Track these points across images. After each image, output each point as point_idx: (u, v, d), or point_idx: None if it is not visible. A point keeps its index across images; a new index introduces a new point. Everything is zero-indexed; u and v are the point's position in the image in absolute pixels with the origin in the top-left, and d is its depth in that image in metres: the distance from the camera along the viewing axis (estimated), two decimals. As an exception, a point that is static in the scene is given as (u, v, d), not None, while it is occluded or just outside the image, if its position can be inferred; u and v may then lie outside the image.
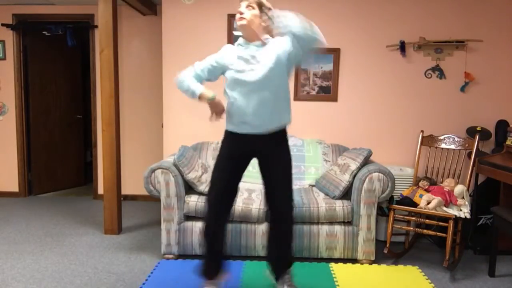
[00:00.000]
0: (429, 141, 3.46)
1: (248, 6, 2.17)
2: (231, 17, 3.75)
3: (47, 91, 5.02)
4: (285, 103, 2.26)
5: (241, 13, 2.15)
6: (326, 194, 3.14)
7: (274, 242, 2.37)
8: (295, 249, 2.98)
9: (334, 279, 2.72)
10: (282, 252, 2.37)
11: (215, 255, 2.38)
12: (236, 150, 2.31)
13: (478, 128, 3.57)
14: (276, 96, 2.19)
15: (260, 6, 2.19)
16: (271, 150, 2.28)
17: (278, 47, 2.15)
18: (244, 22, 2.15)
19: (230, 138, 2.32)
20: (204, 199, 2.98)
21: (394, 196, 3.19)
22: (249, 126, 2.22)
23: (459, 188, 3.07)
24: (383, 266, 2.98)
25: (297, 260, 3.02)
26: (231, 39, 3.78)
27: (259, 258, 3.05)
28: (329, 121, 3.85)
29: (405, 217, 3.07)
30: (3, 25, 4.65)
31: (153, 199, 4.68)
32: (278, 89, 2.19)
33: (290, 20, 2.01)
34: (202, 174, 3.11)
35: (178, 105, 3.89)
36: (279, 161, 2.28)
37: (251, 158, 2.36)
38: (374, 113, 3.83)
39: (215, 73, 2.32)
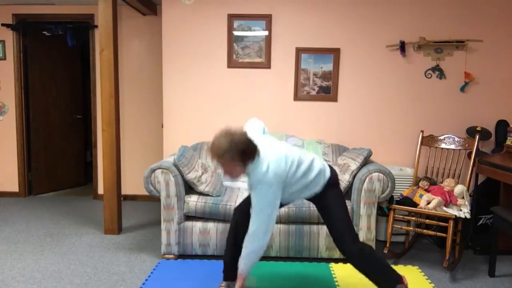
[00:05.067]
0: (429, 141, 3.46)
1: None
2: (231, 17, 3.75)
3: (47, 91, 5.02)
4: (305, 185, 2.25)
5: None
6: (326, 194, 3.13)
7: None
8: (295, 249, 2.99)
9: (334, 279, 2.72)
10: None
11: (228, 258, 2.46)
12: None
13: (478, 128, 3.57)
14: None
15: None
16: (315, 200, 2.34)
17: None
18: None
19: None
20: (204, 199, 2.99)
21: (394, 196, 3.19)
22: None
23: (459, 188, 3.07)
24: (383, 266, 2.98)
25: (297, 260, 3.03)
26: (231, 39, 3.78)
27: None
28: (329, 121, 3.85)
29: (405, 217, 3.06)
30: (3, 25, 4.65)
31: (153, 199, 4.69)
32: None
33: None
34: (202, 174, 3.11)
35: (178, 105, 3.89)
36: (324, 206, 2.30)
37: None
38: (374, 113, 3.83)
39: None
